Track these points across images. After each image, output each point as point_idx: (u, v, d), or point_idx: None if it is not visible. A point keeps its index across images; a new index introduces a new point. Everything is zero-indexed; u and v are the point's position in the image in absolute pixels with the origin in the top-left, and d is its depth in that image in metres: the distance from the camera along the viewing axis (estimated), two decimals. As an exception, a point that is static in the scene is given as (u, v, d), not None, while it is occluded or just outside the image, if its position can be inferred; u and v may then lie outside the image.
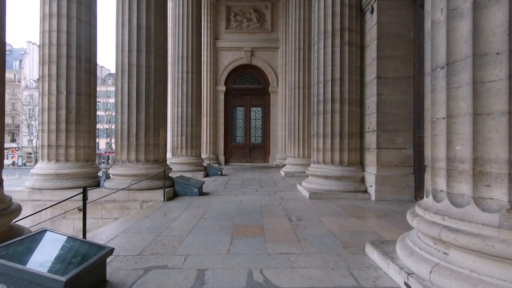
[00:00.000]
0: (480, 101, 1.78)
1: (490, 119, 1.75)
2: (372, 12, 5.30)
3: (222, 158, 14.25)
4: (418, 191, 4.98)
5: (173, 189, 5.79)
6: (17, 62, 50.60)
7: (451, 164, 1.94)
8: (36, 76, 48.39)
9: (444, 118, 2.01)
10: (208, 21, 13.48)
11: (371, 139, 5.43)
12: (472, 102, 1.81)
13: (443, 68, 2.02)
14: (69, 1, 5.91)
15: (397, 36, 5.14)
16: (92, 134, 6.47)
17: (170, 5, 11.44)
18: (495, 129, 1.73)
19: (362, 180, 5.62)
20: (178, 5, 9.65)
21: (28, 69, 51.09)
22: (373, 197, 5.21)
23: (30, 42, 51.07)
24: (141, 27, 5.74)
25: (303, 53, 9.34)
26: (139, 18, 5.72)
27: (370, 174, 5.37)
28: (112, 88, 46.14)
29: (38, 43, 6.29)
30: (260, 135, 14.86)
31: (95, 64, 6.60)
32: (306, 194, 5.61)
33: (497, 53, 1.72)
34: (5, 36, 2.65)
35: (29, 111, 47.71)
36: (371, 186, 5.31)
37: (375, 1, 5.20)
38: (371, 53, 5.42)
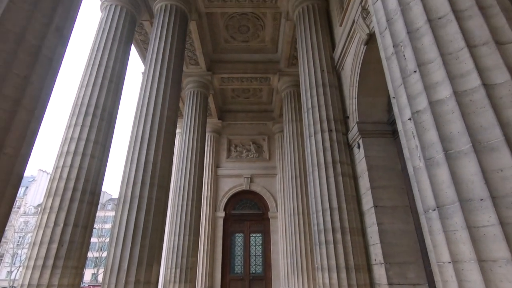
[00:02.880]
0: (480, 247, 1.77)
1: (497, 267, 1.69)
2: (359, 147, 5.88)
3: (218, 292, 12.74)
4: None
5: None
6: (23, 189, 51.90)
7: (472, 318, 1.75)
8: (37, 202, 48.76)
9: (450, 263, 1.94)
10: (211, 151, 14.68)
11: (380, 273, 5.03)
12: (473, 247, 1.79)
13: (434, 210, 2.10)
14: (87, 141, 6.60)
15: (385, 168, 5.53)
16: (80, 270, 6.01)
17: (177, 139, 12.74)
18: (507, 278, 1.65)
19: (379, 324, 4.88)
20: (184, 140, 10.74)
21: (32, 195, 51.95)
22: None
23: (41, 170, 53.89)
24: (148, 162, 6.22)
25: (299, 181, 9.77)
26: (147, 155, 6.27)
27: (387, 317, 4.71)
28: (111, 213, 45.72)
29: (48, 171, 6.67)
30: (260, 264, 13.76)
31: (99, 195, 6.79)
32: None
33: (481, 199, 1.83)
34: (23, 173, 2.81)
35: (19, 238, 45.64)
36: (390, 333, 4.57)
37: (360, 139, 5.84)
38: (364, 183, 5.68)
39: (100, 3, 8.13)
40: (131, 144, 6.51)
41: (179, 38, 7.81)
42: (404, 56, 2.52)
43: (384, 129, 5.77)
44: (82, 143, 6.56)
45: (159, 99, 6.86)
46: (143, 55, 10.53)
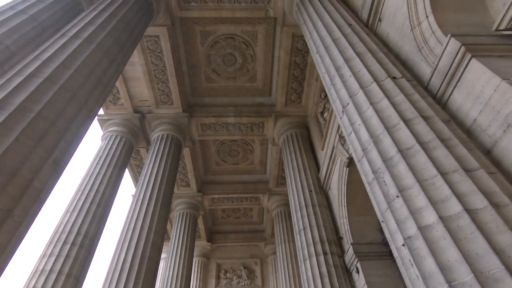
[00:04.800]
0: None
1: None
2: (357, 272, 5.44)
3: None
4: None
5: None
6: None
7: None
8: None
9: None
10: (198, 280, 13.20)
11: None
12: None
13: None
14: (59, 274, 5.90)
15: (391, 297, 4.98)
16: None
17: (161, 265, 11.63)
18: None
19: None
20: (169, 267, 9.85)
21: None
22: None
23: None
24: (125, 297, 5.48)
25: (298, 314, 8.53)
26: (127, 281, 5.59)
27: None
28: None
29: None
30: None
31: None
32: None
33: None
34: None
35: None
36: None
37: (357, 262, 5.48)
38: (371, 317, 4.98)
39: (101, 133, 8.89)
40: (109, 274, 5.88)
41: (172, 164, 8.22)
42: (384, 181, 2.66)
43: (381, 250, 5.50)
44: (53, 276, 5.88)
45: (146, 223, 6.64)
46: (135, 178, 10.81)
